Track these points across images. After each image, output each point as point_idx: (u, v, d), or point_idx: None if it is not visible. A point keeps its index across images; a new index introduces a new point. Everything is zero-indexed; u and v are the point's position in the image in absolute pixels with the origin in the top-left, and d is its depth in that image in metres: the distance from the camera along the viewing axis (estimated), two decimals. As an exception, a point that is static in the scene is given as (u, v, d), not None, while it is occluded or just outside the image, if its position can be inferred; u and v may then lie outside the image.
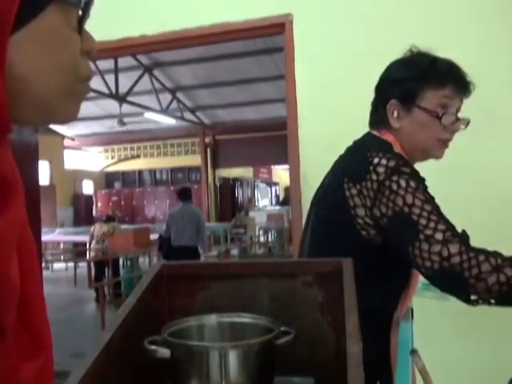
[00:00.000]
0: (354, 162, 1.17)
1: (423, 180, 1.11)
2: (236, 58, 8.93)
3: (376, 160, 1.10)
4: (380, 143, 1.19)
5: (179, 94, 11.46)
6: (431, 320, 2.05)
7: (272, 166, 18.82)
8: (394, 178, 1.06)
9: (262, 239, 12.55)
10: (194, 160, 14.96)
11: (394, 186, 1.06)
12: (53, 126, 13.61)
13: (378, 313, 1.14)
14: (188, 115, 12.58)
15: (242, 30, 2.60)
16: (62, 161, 14.96)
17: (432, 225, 1.02)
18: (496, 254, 1.00)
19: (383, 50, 2.40)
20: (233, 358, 0.71)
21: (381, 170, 1.08)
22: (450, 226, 1.03)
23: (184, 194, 6.46)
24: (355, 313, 0.71)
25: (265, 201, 19.35)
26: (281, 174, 19.06)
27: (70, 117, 0.50)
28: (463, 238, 1.03)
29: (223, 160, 14.50)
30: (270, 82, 9.76)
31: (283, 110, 2.67)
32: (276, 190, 20.59)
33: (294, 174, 2.52)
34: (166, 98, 11.04)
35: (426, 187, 1.09)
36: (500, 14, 2.23)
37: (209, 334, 0.83)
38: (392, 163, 1.08)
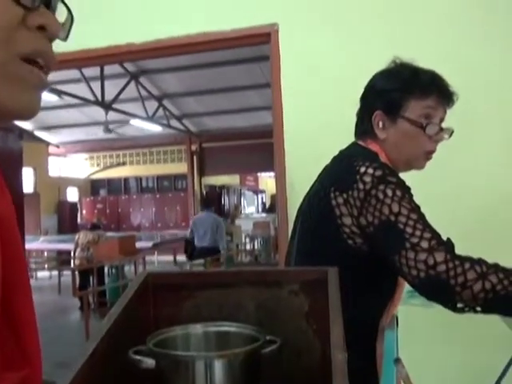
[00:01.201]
0: (340, 172, 1.17)
1: (409, 189, 1.12)
2: (222, 65, 8.96)
3: (363, 169, 1.10)
4: (366, 153, 1.20)
5: (165, 102, 11.45)
6: (416, 327, 2.06)
7: (258, 174, 18.85)
8: (381, 187, 1.07)
9: (248, 247, 12.52)
10: (181, 168, 14.92)
11: (381, 195, 1.06)
12: (38, 133, 13.51)
13: (364, 321, 1.15)
14: (174, 123, 12.56)
15: (228, 39, 2.61)
16: (47, 168, 14.82)
17: (418, 233, 1.02)
18: (481, 262, 1.01)
19: (369, 60, 2.43)
20: (218, 367, 0.71)
21: (367, 179, 1.08)
22: (436, 235, 1.04)
23: (206, 203, 8.43)
24: (340, 321, 0.71)
25: (251, 208, 19.34)
26: (267, 181, 19.09)
27: (23, 107, 0.44)
28: (449, 246, 1.03)
29: (210, 168, 14.48)
30: (257, 89, 9.81)
31: (270, 118, 2.68)
32: (262, 198, 20.60)
33: (280, 182, 2.53)
34: (152, 105, 11.03)
35: (411, 196, 1.10)
36: (477, 23, 2.27)
37: (194, 343, 0.83)
38: (378, 172, 1.09)
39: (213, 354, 0.75)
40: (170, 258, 10.35)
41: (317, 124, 2.45)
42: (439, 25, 2.32)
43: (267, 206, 18.62)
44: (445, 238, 1.05)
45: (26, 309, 0.49)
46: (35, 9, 0.43)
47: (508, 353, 1.69)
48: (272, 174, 13.77)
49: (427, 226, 1.04)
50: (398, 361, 0.82)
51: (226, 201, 16.85)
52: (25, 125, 12.38)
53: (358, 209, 1.09)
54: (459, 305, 1.02)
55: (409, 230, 1.03)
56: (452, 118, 1.26)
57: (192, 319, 0.86)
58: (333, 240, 1.14)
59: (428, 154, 1.24)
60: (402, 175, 1.17)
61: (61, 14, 0.50)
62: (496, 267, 1.01)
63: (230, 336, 0.83)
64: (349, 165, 1.14)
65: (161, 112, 11.49)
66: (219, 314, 0.87)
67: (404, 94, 1.20)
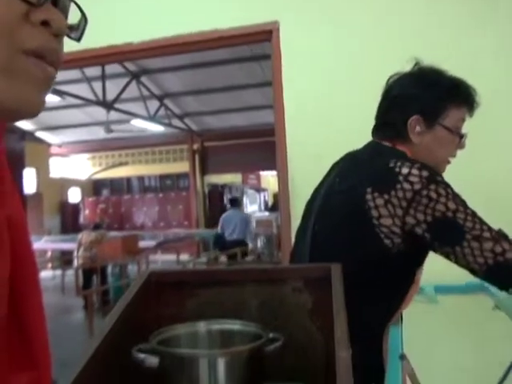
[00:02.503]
0: (376, 172, 1.17)
1: None
2: (224, 64, 8.95)
3: (405, 170, 1.12)
4: (398, 153, 1.22)
5: (167, 101, 11.44)
6: (420, 324, 2.06)
7: (260, 172, 18.83)
8: (432, 186, 1.10)
9: (250, 245, 12.50)
10: (183, 167, 14.91)
11: (433, 195, 1.09)
12: (39, 134, 13.53)
13: (376, 317, 1.17)
14: (176, 122, 12.56)
15: (229, 37, 2.60)
16: (49, 168, 14.84)
17: (478, 226, 1.08)
18: None
19: (371, 57, 2.44)
20: (222, 365, 0.71)
21: (414, 179, 1.10)
22: (491, 227, 1.10)
23: (233, 202, 9.29)
24: (344, 318, 0.71)
25: (253, 207, 19.33)
26: (269, 180, 19.07)
27: (26, 103, 0.43)
28: (506, 236, 1.09)
29: (212, 166, 14.47)
30: (258, 88, 9.79)
31: (271, 117, 2.67)
32: (265, 196, 20.58)
33: (283, 181, 2.53)
34: (153, 104, 11.02)
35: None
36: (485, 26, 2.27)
37: (198, 341, 0.83)
38: (425, 173, 1.11)
39: (216, 352, 0.75)
40: (173, 257, 10.35)
41: (319, 122, 2.45)
42: (441, 22, 2.31)
43: (269, 204, 18.60)
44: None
45: (35, 310, 0.49)
46: (40, 5, 0.42)
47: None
48: (274, 172, 13.76)
49: (482, 220, 1.10)
50: (403, 357, 0.82)
51: (228, 199, 16.85)
52: (26, 125, 12.42)
53: (403, 209, 1.11)
54: None
55: (469, 224, 1.08)
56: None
57: (195, 317, 0.86)
58: (364, 238, 1.16)
59: (450, 159, 1.30)
60: None
61: (74, 17, 0.50)
62: None
63: (233, 334, 0.82)
64: (384, 165, 1.16)
65: (162, 111, 11.48)
66: (222, 311, 0.86)
67: (445, 103, 1.24)
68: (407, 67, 1.32)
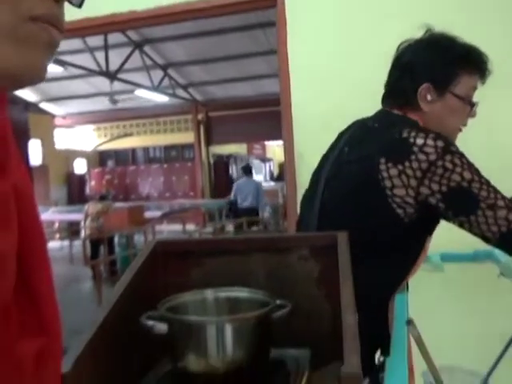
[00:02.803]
0: (390, 142, 1.16)
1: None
2: (228, 32, 8.82)
3: (420, 141, 1.11)
4: (410, 122, 1.21)
5: (171, 71, 11.33)
6: (425, 292, 2.07)
7: (266, 142, 18.76)
8: (447, 157, 1.09)
9: (262, 214, 12.54)
10: (188, 137, 14.86)
11: (449, 165, 1.09)
12: (43, 105, 13.48)
13: (384, 284, 1.18)
14: (180, 92, 12.46)
15: (233, 4, 2.55)
16: (54, 140, 14.83)
17: (492, 195, 1.08)
18: None
19: (379, 26, 2.39)
20: (229, 331, 0.71)
21: (430, 150, 1.10)
22: (506, 196, 1.10)
23: (246, 170, 9.15)
24: (350, 285, 0.72)
25: (259, 177, 19.33)
26: (275, 149, 19.01)
27: (31, 68, 0.42)
28: None
29: (216, 137, 14.42)
30: (263, 57, 9.67)
31: (277, 86, 2.64)
32: (270, 166, 20.56)
33: (289, 150, 2.52)
34: (157, 74, 10.92)
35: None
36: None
37: (205, 308, 0.84)
38: (440, 143, 1.10)
39: (224, 319, 0.76)
40: (179, 227, 10.41)
41: (324, 91, 2.42)
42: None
43: (275, 174, 18.59)
44: None
45: (44, 280, 0.49)
46: None
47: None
48: (280, 142, 13.70)
49: (497, 190, 1.10)
50: (410, 322, 0.83)
51: (233, 170, 16.84)
52: (30, 96, 12.37)
53: (418, 179, 1.11)
54: None
55: (484, 193, 1.08)
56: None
57: (202, 286, 0.86)
58: (376, 208, 1.16)
59: (461, 127, 1.28)
60: None
61: None
62: None
63: (240, 301, 0.83)
64: (398, 135, 1.14)
65: (166, 81, 11.39)
66: (229, 280, 0.87)
67: (457, 70, 1.21)
68: (418, 34, 1.29)
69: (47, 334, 0.48)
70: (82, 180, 15.71)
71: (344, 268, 0.76)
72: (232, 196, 9.21)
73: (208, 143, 14.55)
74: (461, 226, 1.12)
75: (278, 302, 0.78)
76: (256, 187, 8.93)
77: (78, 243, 9.03)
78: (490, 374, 0.94)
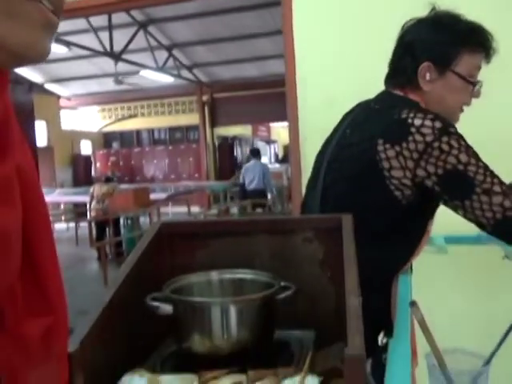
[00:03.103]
0: (388, 123, 1.15)
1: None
2: (233, 12, 8.73)
3: (418, 121, 1.09)
4: (410, 103, 1.19)
5: (175, 51, 11.25)
6: (429, 274, 2.08)
7: (270, 124, 18.67)
8: (444, 138, 1.07)
9: (269, 196, 12.54)
10: (192, 119, 14.82)
11: (445, 147, 1.07)
12: (48, 86, 13.44)
13: (387, 266, 1.18)
14: (185, 73, 12.39)
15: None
16: (59, 121, 14.81)
17: (489, 180, 1.06)
18: None
19: (386, 6, 2.35)
20: (234, 313, 0.72)
21: (427, 131, 1.08)
22: (503, 181, 1.08)
23: (254, 153, 9.33)
24: (354, 267, 0.72)
25: (264, 159, 19.30)
26: (279, 131, 18.93)
27: (32, 46, 0.42)
28: None
29: (221, 118, 14.37)
30: (269, 37, 9.57)
31: (282, 67, 2.62)
32: (275, 148, 20.51)
33: (294, 132, 2.50)
34: (162, 55, 10.85)
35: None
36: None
37: (210, 289, 0.84)
38: (438, 124, 1.08)
39: (229, 300, 0.76)
40: (184, 209, 10.44)
41: (331, 72, 2.39)
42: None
43: (280, 156, 18.54)
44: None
45: (48, 257, 0.49)
46: None
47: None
48: (284, 123, 13.64)
49: (495, 174, 1.08)
50: (413, 304, 0.83)
51: (238, 151, 16.82)
52: (34, 77, 12.32)
53: (414, 161, 1.09)
54: None
55: (479, 177, 1.05)
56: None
57: (206, 267, 0.87)
58: (375, 190, 1.15)
59: (463, 107, 1.25)
60: None
61: None
62: None
63: (245, 282, 0.84)
64: (396, 115, 1.13)
65: (171, 62, 11.32)
66: (233, 261, 0.87)
67: (458, 48, 1.19)
68: (424, 13, 1.27)
69: (53, 314, 0.48)
70: (87, 161, 15.73)
71: (348, 250, 0.76)
72: (240, 179, 9.38)
73: (213, 125, 14.50)
74: (455, 210, 1.11)
75: (283, 283, 0.78)
76: (262, 170, 9.04)
77: (83, 225, 9.08)
78: (493, 353, 0.94)
